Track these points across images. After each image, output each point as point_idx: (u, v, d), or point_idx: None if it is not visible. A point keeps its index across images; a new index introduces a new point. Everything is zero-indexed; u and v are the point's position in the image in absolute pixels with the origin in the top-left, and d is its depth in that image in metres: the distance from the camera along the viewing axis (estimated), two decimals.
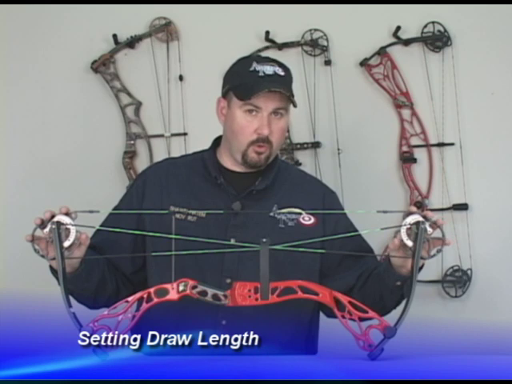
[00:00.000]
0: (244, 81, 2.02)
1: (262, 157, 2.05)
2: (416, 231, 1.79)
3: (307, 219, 2.08)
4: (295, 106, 2.06)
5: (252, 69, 2.02)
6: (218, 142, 2.16)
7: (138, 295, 1.76)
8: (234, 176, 2.10)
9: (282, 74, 2.04)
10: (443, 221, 1.87)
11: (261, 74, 2.01)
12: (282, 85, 2.02)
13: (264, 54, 2.82)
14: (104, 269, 2.04)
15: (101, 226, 2.00)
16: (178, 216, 2.00)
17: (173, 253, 1.82)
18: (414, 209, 1.85)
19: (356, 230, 2.11)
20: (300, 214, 2.07)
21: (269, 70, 2.02)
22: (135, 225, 2.05)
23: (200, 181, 2.11)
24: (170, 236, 1.86)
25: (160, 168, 2.19)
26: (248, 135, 2.03)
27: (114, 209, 2.11)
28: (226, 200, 2.05)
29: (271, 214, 2.07)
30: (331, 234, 2.04)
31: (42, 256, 1.82)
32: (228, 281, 1.93)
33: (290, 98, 2.03)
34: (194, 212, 2.05)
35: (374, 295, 1.99)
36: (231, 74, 2.08)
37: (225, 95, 2.08)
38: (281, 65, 2.06)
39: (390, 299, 1.98)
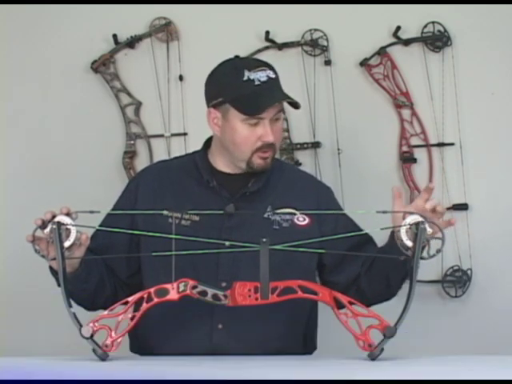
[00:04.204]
0: (242, 92, 1.99)
1: (268, 161, 2.05)
2: (416, 231, 1.79)
3: (301, 220, 2.07)
4: (299, 107, 2.05)
5: (245, 78, 1.99)
6: (209, 142, 2.15)
7: (138, 295, 1.76)
8: (227, 178, 2.10)
9: (274, 76, 2.02)
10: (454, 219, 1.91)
11: (256, 82, 1.99)
12: (280, 90, 2.02)
13: (264, 53, 2.83)
14: (102, 270, 2.04)
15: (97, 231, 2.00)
16: (170, 221, 1.99)
17: (173, 253, 1.82)
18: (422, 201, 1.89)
19: (355, 225, 2.12)
20: (294, 214, 2.06)
21: (262, 76, 2.00)
22: (128, 230, 2.02)
23: (193, 184, 2.10)
24: (170, 236, 1.85)
25: (153, 171, 2.18)
26: (252, 144, 2.02)
27: (109, 213, 2.08)
28: (219, 203, 2.03)
29: (265, 215, 2.06)
30: (331, 232, 2.03)
31: (43, 256, 1.83)
32: (223, 284, 1.92)
33: (294, 104, 2.02)
34: (187, 216, 2.04)
35: (379, 275, 2.02)
36: (223, 86, 2.03)
37: (217, 106, 2.04)
38: (268, 65, 2.04)
39: (394, 276, 1.99)
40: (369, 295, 2.07)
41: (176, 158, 2.29)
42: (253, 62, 2.09)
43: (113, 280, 2.07)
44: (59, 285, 1.80)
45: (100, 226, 2.02)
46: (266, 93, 1.99)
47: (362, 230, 2.09)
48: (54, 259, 1.78)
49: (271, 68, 2.04)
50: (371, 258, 2.05)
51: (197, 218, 2.04)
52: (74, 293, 1.88)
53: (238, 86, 2.00)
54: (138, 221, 2.06)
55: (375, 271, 2.04)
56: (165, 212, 2.02)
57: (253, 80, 1.99)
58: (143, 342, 2.09)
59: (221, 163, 2.11)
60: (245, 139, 2.02)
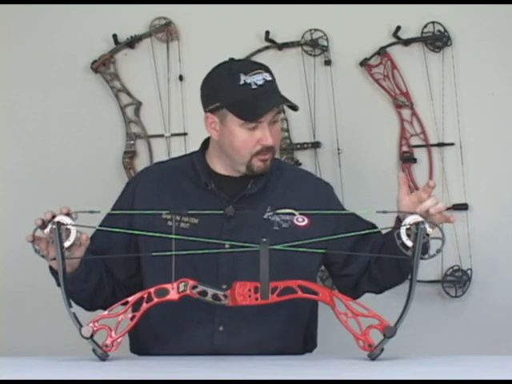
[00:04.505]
0: (239, 97, 1.97)
1: (268, 163, 2.04)
2: (416, 231, 1.79)
3: (301, 220, 2.06)
4: (297, 109, 2.04)
5: (242, 82, 1.97)
6: (206, 143, 2.13)
7: (138, 295, 1.76)
8: (225, 180, 2.08)
9: (270, 78, 2.00)
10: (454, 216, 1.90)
11: (253, 86, 1.96)
12: (278, 93, 2.00)
13: (264, 54, 2.83)
14: (102, 271, 2.03)
15: (95, 232, 1.99)
16: (169, 224, 1.98)
17: (173, 253, 1.82)
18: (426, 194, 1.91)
19: (358, 216, 2.11)
20: (294, 215, 2.05)
21: (259, 79, 1.97)
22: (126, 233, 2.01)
23: (191, 186, 2.09)
24: (170, 236, 1.85)
25: (150, 173, 2.17)
26: (251, 148, 2.00)
27: (107, 216, 2.07)
28: (218, 205, 2.01)
29: (265, 216, 2.05)
30: (333, 231, 2.03)
31: (43, 256, 1.83)
32: (224, 286, 1.89)
33: (293, 107, 2.01)
34: (186, 218, 2.04)
35: (390, 260, 1.99)
36: (220, 91, 2.01)
37: (214, 111, 2.03)
38: (263, 67, 2.02)
39: (404, 260, 1.95)
40: (381, 281, 2.08)
41: (173, 159, 2.27)
42: (248, 65, 2.06)
43: (111, 281, 2.07)
44: (59, 285, 1.80)
45: (96, 232, 2.01)
46: (264, 97, 1.97)
47: (365, 221, 2.10)
48: (54, 259, 1.78)
49: (267, 70, 2.01)
50: (379, 244, 2.04)
51: (196, 221, 2.03)
52: (73, 293, 1.88)
53: (234, 91, 1.97)
54: (136, 224, 2.04)
55: (385, 258, 2.02)
56: (164, 213, 2.02)
57: (249, 84, 1.97)
58: (143, 343, 2.08)
59: (219, 165, 2.10)
60: (244, 143, 2.00)
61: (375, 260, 2.07)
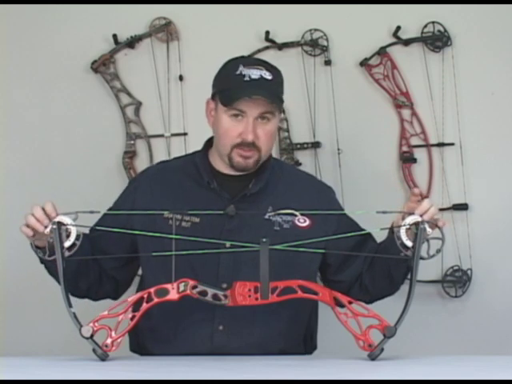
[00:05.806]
0: (228, 85, 2.00)
1: (250, 161, 2.03)
2: (415, 231, 1.80)
3: (302, 221, 2.06)
4: (282, 112, 2.03)
5: (238, 72, 1.99)
6: (210, 143, 2.14)
7: (138, 295, 1.76)
8: (227, 179, 2.08)
9: (269, 77, 2.00)
10: (443, 220, 1.88)
11: (246, 78, 1.98)
12: (267, 90, 1.99)
13: (264, 54, 2.82)
14: (86, 254, 1.97)
15: (91, 228, 2.00)
16: (171, 222, 1.97)
17: (173, 253, 1.82)
18: (412, 205, 1.87)
19: (356, 224, 2.12)
20: (295, 215, 2.05)
21: (255, 74, 1.99)
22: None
23: (192, 185, 2.09)
24: (170, 236, 1.85)
25: (152, 174, 2.17)
26: (232, 138, 2.01)
27: (106, 214, 2.07)
28: (219, 204, 2.01)
29: (266, 216, 2.05)
30: (333, 233, 2.03)
31: (40, 253, 1.84)
32: (224, 286, 1.90)
33: (275, 105, 2.00)
34: (187, 218, 2.03)
35: (382, 270, 2.02)
36: (219, 77, 2.06)
37: (213, 97, 2.07)
38: (269, 67, 2.03)
39: (397, 271, 1.99)
40: (372, 291, 2.08)
41: (176, 158, 2.28)
42: (253, 61, 2.09)
43: (98, 268, 2.06)
44: (42, 262, 1.80)
45: (96, 223, 2.03)
46: (251, 89, 1.98)
47: (362, 229, 2.10)
48: (51, 255, 1.79)
49: (270, 70, 2.02)
50: (373, 252, 2.05)
51: (197, 220, 2.03)
52: (56, 272, 1.82)
53: (228, 79, 2.01)
54: (136, 223, 2.04)
55: (377, 268, 2.05)
56: (165, 213, 2.02)
57: (244, 75, 1.99)
58: (143, 343, 2.08)
59: (220, 164, 2.10)
60: (225, 131, 2.02)
61: (367, 269, 2.08)
